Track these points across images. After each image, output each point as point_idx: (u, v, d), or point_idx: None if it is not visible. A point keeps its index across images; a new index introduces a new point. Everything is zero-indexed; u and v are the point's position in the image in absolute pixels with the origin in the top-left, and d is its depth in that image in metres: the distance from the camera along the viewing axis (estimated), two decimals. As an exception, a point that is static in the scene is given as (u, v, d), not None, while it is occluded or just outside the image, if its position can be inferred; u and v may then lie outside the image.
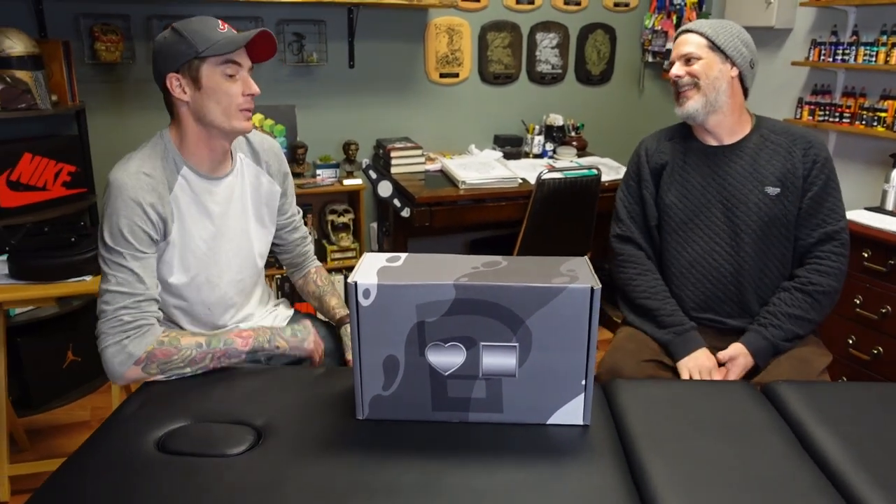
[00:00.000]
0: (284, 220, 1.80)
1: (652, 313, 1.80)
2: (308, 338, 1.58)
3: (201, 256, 1.55)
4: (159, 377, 1.37)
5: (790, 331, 1.70)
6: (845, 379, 2.57)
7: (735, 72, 1.75)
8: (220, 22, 1.50)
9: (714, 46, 1.73)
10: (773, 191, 1.73)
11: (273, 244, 1.78)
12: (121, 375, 1.37)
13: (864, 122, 3.00)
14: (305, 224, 3.22)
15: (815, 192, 1.73)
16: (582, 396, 1.16)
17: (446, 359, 1.15)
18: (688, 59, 1.76)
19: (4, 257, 2.01)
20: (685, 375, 1.71)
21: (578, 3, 3.66)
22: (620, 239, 1.92)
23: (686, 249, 1.81)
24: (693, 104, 1.75)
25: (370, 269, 1.15)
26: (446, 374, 1.16)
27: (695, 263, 1.80)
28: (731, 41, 1.74)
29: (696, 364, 1.70)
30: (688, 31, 1.78)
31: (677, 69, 1.78)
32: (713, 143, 1.81)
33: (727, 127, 1.79)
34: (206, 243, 1.55)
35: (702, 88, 1.74)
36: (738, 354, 1.70)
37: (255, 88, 1.50)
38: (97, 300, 1.40)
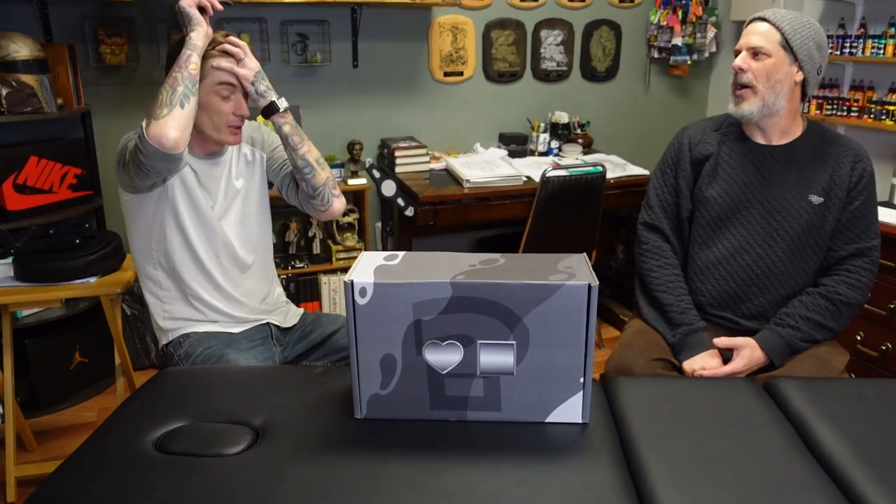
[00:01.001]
0: (284, 170, 1.87)
1: (664, 308, 1.79)
2: (193, 18, 1.60)
3: (210, 219, 1.73)
4: (175, 111, 1.50)
5: (807, 333, 1.68)
6: (853, 376, 2.55)
7: (800, 76, 1.68)
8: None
9: (787, 45, 1.64)
10: (816, 200, 1.69)
11: (283, 193, 1.89)
12: (149, 135, 1.48)
13: (872, 116, 2.97)
14: (311, 225, 3.26)
15: (857, 206, 1.69)
16: (580, 394, 1.16)
17: (444, 357, 1.14)
18: (755, 52, 1.67)
19: (10, 260, 2.03)
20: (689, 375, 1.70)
21: (583, 0, 3.64)
22: (647, 227, 1.89)
23: (716, 245, 1.78)
24: (749, 107, 1.69)
25: (367, 267, 1.15)
26: (444, 372, 1.15)
27: (722, 260, 1.77)
28: (806, 43, 1.64)
29: (700, 364, 1.68)
30: (764, 19, 1.67)
31: (742, 61, 1.68)
32: (762, 141, 1.76)
33: (780, 128, 1.74)
34: (212, 209, 1.74)
35: (759, 92, 1.67)
36: (745, 345, 1.68)
37: (246, 111, 1.69)
38: (130, 150, 1.56)
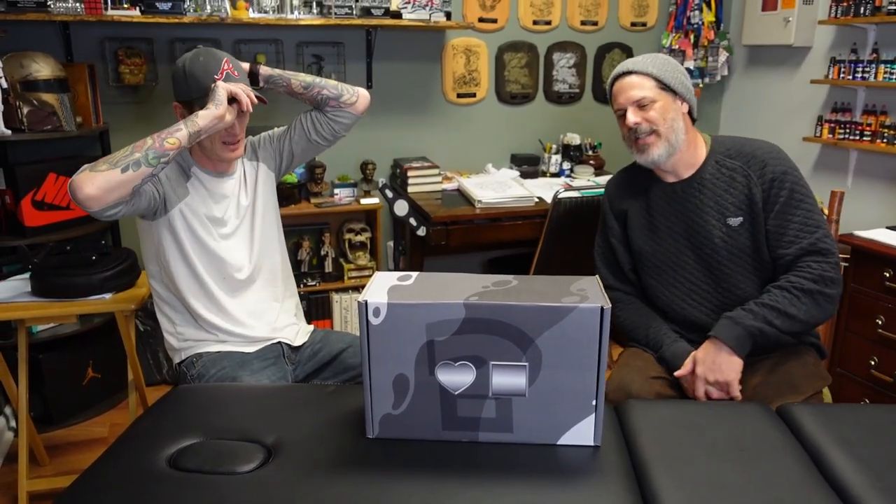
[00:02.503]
0: (296, 125, 1.90)
1: (640, 342, 1.81)
2: (217, 99, 1.59)
3: (216, 245, 1.74)
4: (113, 173, 1.46)
5: (761, 316, 1.59)
6: (867, 401, 2.52)
7: (685, 107, 1.72)
8: (223, 66, 1.65)
9: (664, 86, 1.68)
10: (734, 221, 1.67)
11: (314, 140, 1.91)
12: (71, 180, 1.46)
13: (885, 140, 2.97)
14: (323, 243, 3.28)
15: (778, 210, 1.64)
16: (592, 417, 1.16)
17: (456, 378, 1.15)
18: (640, 104, 1.69)
19: (28, 275, 2.05)
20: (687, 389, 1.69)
21: (595, 23, 3.67)
22: None
23: (664, 292, 1.79)
24: (657, 151, 1.69)
25: (381, 287, 1.16)
26: (456, 393, 1.16)
27: (673, 304, 1.77)
28: (676, 77, 1.70)
29: (690, 364, 1.67)
30: (631, 72, 1.71)
31: (633, 116, 1.70)
32: (672, 179, 1.76)
33: (685, 161, 1.74)
34: (218, 223, 1.75)
35: (662, 134, 1.68)
36: (696, 351, 1.65)
37: (239, 134, 1.71)
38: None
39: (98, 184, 1.45)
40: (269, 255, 1.87)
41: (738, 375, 1.61)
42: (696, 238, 1.71)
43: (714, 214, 1.69)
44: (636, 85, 1.69)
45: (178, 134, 1.54)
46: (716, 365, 1.61)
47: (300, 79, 1.83)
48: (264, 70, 1.82)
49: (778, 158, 1.68)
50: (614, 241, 1.87)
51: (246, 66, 1.77)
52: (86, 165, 1.49)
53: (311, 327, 1.98)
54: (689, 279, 1.75)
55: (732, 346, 1.60)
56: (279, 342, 1.85)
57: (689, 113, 1.75)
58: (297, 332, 1.92)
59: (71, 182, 1.46)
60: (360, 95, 1.90)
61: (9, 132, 2.43)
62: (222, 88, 1.60)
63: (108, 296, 2.02)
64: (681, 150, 1.71)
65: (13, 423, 2.64)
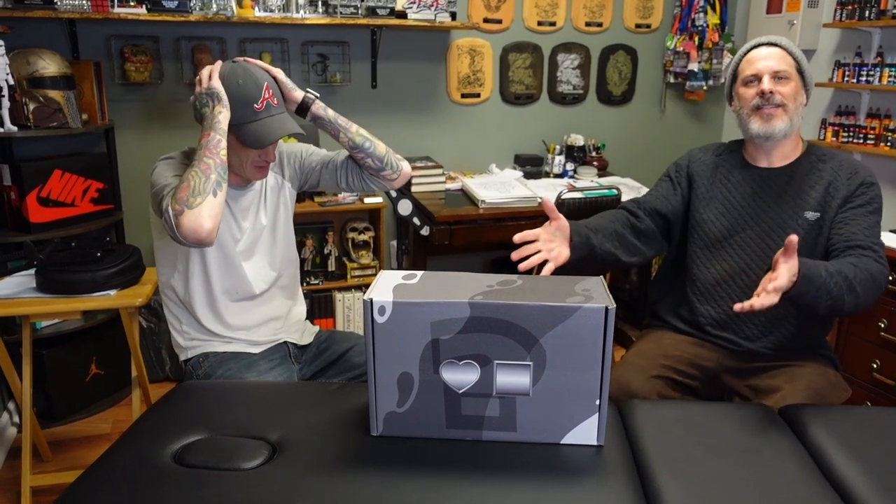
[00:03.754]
0: (332, 164, 1.83)
1: (585, 232, 1.84)
2: (213, 108, 1.56)
3: (235, 259, 1.73)
4: (209, 199, 1.47)
5: (838, 280, 1.46)
6: (869, 404, 2.52)
7: (804, 99, 1.73)
8: (263, 94, 1.60)
9: (800, 70, 1.70)
10: (812, 215, 1.69)
11: (341, 186, 1.86)
12: (183, 224, 1.45)
13: (888, 144, 2.96)
14: (326, 242, 3.28)
15: (856, 205, 1.65)
16: (596, 416, 1.16)
17: (460, 376, 1.15)
18: (779, 76, 1.69)
19: (33, 271, 2.06)
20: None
21: (600, 25, 3.68)
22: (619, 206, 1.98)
23: (714, 266, 1.79)
24: (780, 124, 1.69)
25: (386, 286, 1.17)
26: (460, 391, 1.16)
27: (721, 282, 1.77)
28: (809, 69, 1.72)
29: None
30: (776, 45, 1.71)
31: (770, 84, 1.69)
32: (763, 164, 1.79)
33: (784, 151, 1.77)
34: (236, 241, 1.74)
35: (789, 111, 1.69)
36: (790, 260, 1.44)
37: (273, 157, 1.69)
38: (164, 203, 1.50)
39: (208, 214, 1.46)
40: (281, 272, 1.86)
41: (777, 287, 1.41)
42: (768, 224, 1.74)
43: (793, 206, 1.72)
44: (779, 57, 1.70)
45: (221, 144, 1.53)
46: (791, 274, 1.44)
47: (350, 135, 1.75)
48: (316, 108, 1.72)
49: (868, 172, 1.72)
50: (665, 185, 1.91)
51: (299, 94, 1.69)
52: (170, 207, 1.46)
53: (317, 328, 1.99)
54: (744, 258, 1.76)
55: (803, 270, 1.42)
56: (285, 342, 1.86)
57: None
58: (303, 332, 1.93)
59: (182, 226, 1.44)
60: (401, 175, 1.83)
61: (15, 128, 2.44)
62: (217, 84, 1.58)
63: (112, 292, 2.03)
64: (790, 135, 1.74)
65: (16, 419, 2.65)
